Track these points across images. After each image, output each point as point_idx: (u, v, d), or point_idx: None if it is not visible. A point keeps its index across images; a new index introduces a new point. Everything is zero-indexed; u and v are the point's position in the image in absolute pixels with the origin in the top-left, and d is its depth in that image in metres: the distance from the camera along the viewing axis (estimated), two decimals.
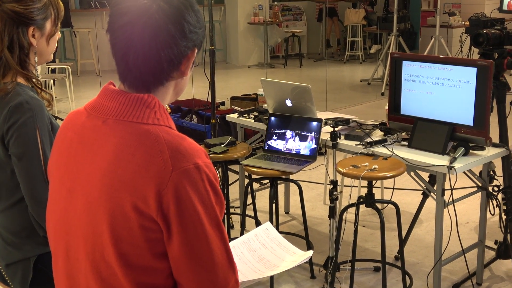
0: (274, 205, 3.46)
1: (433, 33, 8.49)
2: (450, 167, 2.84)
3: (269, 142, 3.47)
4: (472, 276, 3.35)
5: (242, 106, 5.90)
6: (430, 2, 11.25)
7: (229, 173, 4.12)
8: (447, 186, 2.92)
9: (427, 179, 3.26)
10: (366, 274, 3.54)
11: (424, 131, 3.12)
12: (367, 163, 2.96)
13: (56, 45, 1.86)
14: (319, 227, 4.19)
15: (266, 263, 1.58)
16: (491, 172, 3.26)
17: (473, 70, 2.96)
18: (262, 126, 3.71)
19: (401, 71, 3.26)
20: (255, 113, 3.91)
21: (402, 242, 3.25)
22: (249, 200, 3.72)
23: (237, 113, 4.04)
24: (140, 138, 1.15)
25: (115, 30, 1.17)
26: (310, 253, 1.61)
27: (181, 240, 1.13)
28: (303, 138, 3.37)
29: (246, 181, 3.79)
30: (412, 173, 3.10)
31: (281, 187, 4.38)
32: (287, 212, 4.46)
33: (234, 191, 4.55)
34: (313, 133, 3.34)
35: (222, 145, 3.54)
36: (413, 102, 3.24)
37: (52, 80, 7.52)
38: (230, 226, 4.11)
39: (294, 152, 3.38)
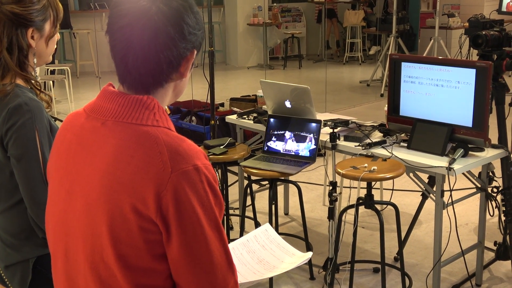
0: (273, 206, 3.46)
1: (432, 35, 8.50)
2: (449, 168, 2.84)
3: (268, 144, 3.47)
4: (472, 277, 3.35)
5: (242, 107, 5.90)
6: (429, 3, 11.26)
7: (229, 174, 4.12)
8: (446, 187, 2.92)
9: (426, 180, 3.26)
10: (366, 275, 3.54)
11: (423, 132, 3.13)
12: (366, 164, 2.96)
13: (55, 46, 1.85)
14: (319, 228, 4.19)
15: (266, 265, 1.58)
16: (490, 173, 3.27)
17: (472, 72, 2.97)
18: (261, 127, 3.71)
19: (400, 73, 3.27)
20: (255, 115, 3.92)
21: (402, 243, 3.25)
22: (249, 202, 3.73)
23: (236, 115, 4.04)
24: (139, 139, 1.15)
25: (114, 32, 1.18)
26: (309, 254, 1.61)
27: (180, 241, 1.13)
28: (302, 140, 3.37)
29: (246, 182, 3.80)
30: (411, 174, 3.10)
31: (280, 189, 4.38)
32: (286, 214, 4.46)
33: (234, 193, 4.55)
34: (312, 134, 3.34)
35: (222, 147, 3.54)
36: (412, 103, 3.25)
37: (51, 81, 7.52)
38: (230, 228, 4.11)
39: (293, 153, 3.38)
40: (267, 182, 3.75)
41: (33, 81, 1.77)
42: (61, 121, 1.27)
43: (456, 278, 3.44)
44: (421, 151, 3.08)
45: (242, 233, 3.65)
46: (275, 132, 3.46)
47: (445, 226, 3.05)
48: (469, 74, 2.98)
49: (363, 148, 3.18)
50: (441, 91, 3.11)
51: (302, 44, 11.80)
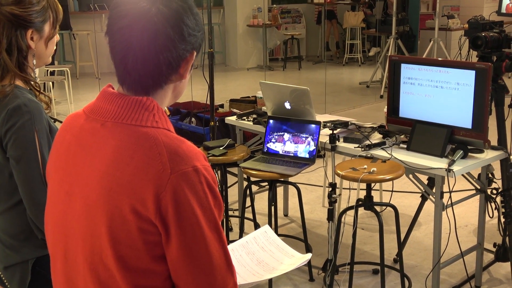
0: (273, 207, 3.46)
1: (432, 36, 8.50)
2: (448, 170, 2.84)
3: (268, 145, 3.47)
4: (471, 279, 3.35)
5: (241, 108, 5.90)
6: (429, 4, 11.27)
7: (228, 175, 4.13)
8: (445, 189, 2.93)
9: (426, 182, 3.26)
10: (365, 277, 3.54)
11: (422, 134, 3.13)
12: (365, 166, 2.96)
13: (55, 47, 1.85)
14: (318, 229, 4.19)
15: (265, 266, 1.58)
16: (490, 175, 3.27)
17: (472, 73, 2.97)
18: (261, 128, 3.71)
19: (400, 74, 3.27)
20: (254, 116, 3.92)
21: (401, 244, 3.25)
22: (248, 203, 3.73)
23: (236, 116, 4.04)
24: (139, 140, 1.15)
25: (114, 33, 1.18)
26: (308, 256, 1.61)
27: (180, 242, 1.13)
28: (301, 141, 3.37)
29: (245, 183, 3.80)
30: (410, 176, 3.11)
31: (280, 190, 4.38)
32: (286, 215, 4.46)
33: (233, 194, 4.55)
34: (312, 135, 3.34)
35: (221, 148, 3.54)
36: (412, 105, 3.25)
37: (51, 83, 7.52)
38: (229, 229, 4.11)
39: (292, 154, 3.38)
40: (266, 183, 3.75)
41: (32, 82, 1.77)
42: (61, 122, 1.27)
43: (456, 280, 3.44)
44: (421, 152, 3.08)
45: (241, 234, 3.65)
46: (275, 134, 3.46)
47: (445, 228, 3.05)
48: (469, 76, 2.98)
49: (363, 149, 3.18)
50: (440, 93, 3.11)
51: (301, 46, 11.81)
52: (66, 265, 1.25)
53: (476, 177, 3.24)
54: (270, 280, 3.29)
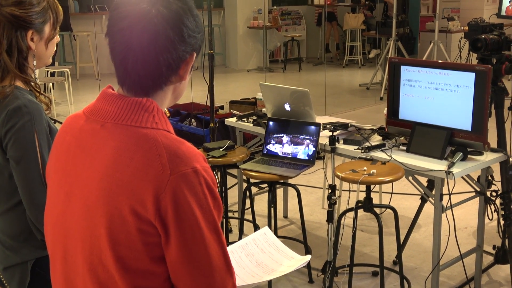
0: (272, 209, 3.46)
1: (432, 38, 8.51)
2: (448, 172, 2.84)
3: (267, 147, 3.47)
4: (470, 281, 3.35)
5: (241, 110, 5.91)
6: (429, 7, 11.28)
7: (228, 177, 4.13)
8: (445, 191, 2.93)
9: (425, 184, 3.26)
10: (364, 279, 3.54)
11: (422, 136, 3.13)
12: (365, 168, 2.96)
13: (55, 48, 1.86)
14: (318, 231, 4.19)
15: (264, 268, 1.58)
16: (489, 177, 3.27)
17: (471, 75, 2.97)
18: (260, 130, 3.71)
19: (400, 76, 3.27)
20: (254, 117, 3.92)
21: (401, 246, 3.25)
22: (248, 204, 3.73)
23: (236, 117, 4.04)
24: (139, 142, 1.15)
25: (114, 34, 1.18)
26: (308, 257, 1.61)
27: (179, 244, 1.13)
28: (301, 143, 3.37)
29: (245, 185, 3.80)
30: (410, 178, 3.11)
31: (279, 191, 4.38)
32: (285, 217, 4.46)
33: (233, 195, 4.55)
34: (311, 137, 3.34)
35: (221, 149, 3.54)
36: (412, 107, 3.25)
37: (51, 84, 7.52)
38: (229, 230, 4.11)
39: (292, 156, 3.38)
40: (266, 185, 3.75)
41: (32, 83, 1.77)
42: (61, 123, 1.28)
43: (455, 282, 3.44)
44: (420, 154, 3.08)
45: (241, 236, 3.65)
46: (275, 135, 3.47)
47: (444, 230, 3.05)
48: (468, 78, 2.98)
49: (362, 151, 3.18)
50: (440, 95, 3.12)
51: (302, 47, 11.81)
52: (66, 266, 1.25)
53: (476, 179, 3.24)
54: (270, 282, 3.29)
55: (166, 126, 1.20)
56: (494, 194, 3.29)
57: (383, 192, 4.44)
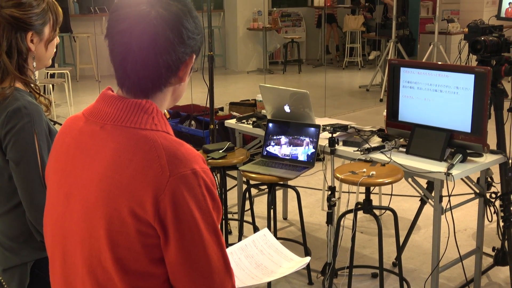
0: (272, 211, 3.47)
1: (431, 40, 8.51)
2: (447, 174, 2.84)
3: (267, 148, 3.47)
4: (470, 283, 3.35)
5: (241, 111, 5.91)
6: (428, 8, 11.28)
7: (227, 178, 4.13)
8: (444, 192, 2.93)
9: (425, 186, 3.26)
10: (364, 281, 3.54)
11: (422, 138, 3.13)
12: (365, 169, 2.96)
13: (55, 50, 1.86)
14: (317, 233, 4.19)
15: (264, 269, 1.58)
16: (489, 179, 3.27)
17: (471, 77, 2.97)
18: (260, 132, 3.71)
19: (399, 78, 3.27)
20: (254, 119, 3.92)
21: (400, 248, 3.25)
22: (247, 206, 3.73)
23: (235, 119, 4.04)
24: (138, 143, 1.15)
25: (113, 36, 1.18)
26: (307, 259, 1.61)
27: (178, 245, 1.13)
28: (301, 144, 3.38)
29: (244, 186, 3.80)
30: (410, 180, 3.11)
31: (279, 193, 4.38)
32: (285, 218, 4.46)
33: (232, 197, 4.55)
34: (311, 139, 3.34)
35: (221, 151, 3.55)
36: (411, 109, 3.25)
37: (51, 85, 7.52)
38: (228, 232, 4.11)
39: (292, 158, 3.38)
40: (266, 186, 3.76)
41: (32, 85, 1.77)
42: (61, 124, 1.27)
43: (455, 284, 3.44)
44: (420, 156, 3.08)
45: (240, 237, 3.65)
46: (274, 137, 3.47)
47: (444, 232, 3.05)
48: (468, 80, 2.99)
49: (362, 153, 3.18)
50: (439, 97, 3.12)
51: (301, 49, 11.82)
52: (65, 268, 1.25)
53: (475, 181, 3.24)
54: (269, 284, 3.29)
55: (166, 127, 1.20)
56: (493, 195, 3.29)
57: (382, 194, 4.44)
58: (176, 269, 1.15)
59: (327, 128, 3.44)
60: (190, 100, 6.22)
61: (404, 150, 3.18)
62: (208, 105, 4.57)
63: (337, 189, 3.43)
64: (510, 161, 3.27)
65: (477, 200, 3.29)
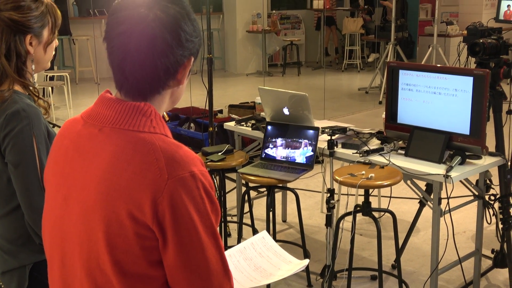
0: (271, 213, 3.47)
1: (430, 42, 8.52)
2: (446, 176, 2.84)
3: (266, 151, 3.47)
4: (469, 285, 3.35)
5: (240, 114, 5.91)
6: (427, 11, 11.30)
7: (227, 181, 4.13)
8: (443, 195, 2.93)
9: (424, 188, 3.27)
10: (363, 283, 3.54)
11: (420, 140, 3.13)
12: (364, 172, 2.96)
13: (54, 53, 1.86)
14: (316, 235, 4.19)
15: (262, 272, 1.58)
16: (488, 181, 3.27)
17: (470, 79, 2.98)
18: (259, 134, 3.72)
19: (398, 80, 3.28)
20: (253, 121, 3.92)
21: (399, 250, 3.25)
22: (246, 208, 3.73)
23: (234, 121, 4.05)
24: (136, 146, 1.15)
25: (112, 39, 1.18)
26: (306, 261, 1.61)
27: (176, 248, 1.13)
28: (300, 147, 3.38)
29: (243, 189, 3.80)
30: (409, 182, 3.11)
31: (278, 196, 4.39)
32: (284, 221, 4.46)
33: (231, 199, 4.55)
34: (310, 141, 3.35)
35: (220, 153, 3.55)
36: (410, 111, 3.25)
37: (50, 88, 7.53)
38: (227, 234, 4.10)
39: (291, 160, 3.38)
40: (265, 189, 3.76)
41: (31, 88, 1.78)
42: (60, 127, 1.27)
43: (454, 286, 3.44)
44: (419, 158, 3.08)
45: (239, 240, 3.65)
46: (273, 139, 3.47)
47: (443, 234, 3.06)
48: (467, 82, 2.99)
49: (361, 155, 3.18)
50: (438, 99, 3.12)
51: (301, 51, 11.83)
52: (63, 270, 1.25)
53: (474, 183, 3.25)
54: (268, 286, 3.29)
55: (164, 130, 1.20)
56: (492, 198, 3.29)
57: (381, 196, 4.44)
58: (175, 272, 1.15)
59: (326, 130, 3.44)
60: (189, 102, 6.22)
61: (403, 152, 3.18)
62: (207, 108, 4.57)
63: (336, 191, 3.43)
64: (509, 163, 3.27)
65: (476, 202, 3.29)
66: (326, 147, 3.27)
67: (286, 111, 3.51)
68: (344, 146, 3.32)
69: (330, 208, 3.22)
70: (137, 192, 1.11)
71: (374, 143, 3.37)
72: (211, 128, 4.58)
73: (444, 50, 8.70)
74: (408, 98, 3.25)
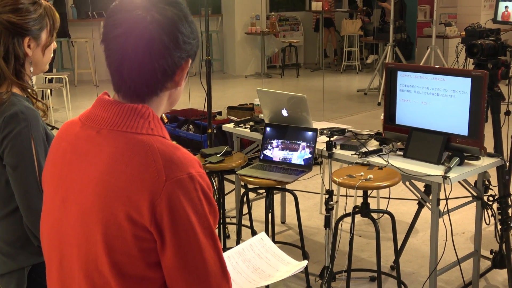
0: (270, 215, 3.47)
1: (429, 44, 8.53)
2: (445, 177, 2.85)
3: (265, 152, 3.47)
4: (468, 286, 3.35)
5: (239, 116, 5.92)
6: (426, 12, 11.31)
7: (225, 182, 4.13)
8: (442, 196, 2.93)
9: (422, 189, 3.27)
10: (362, 284, 3.54)
11: (419, 141, 3.14)
12: (362, 173, 2.97)
13: (52, 55, 1.86)
14: (315, 237, 4.19)
15: (261, 273, 1.58)
16: (486, 182, 3.27)
17: (468, 81, 2.98)
18: (258, 136, 3.72)
19: (396, 82, 3.28)
20: (251, 123, 3.93)
21: (398, 251, 3.25)
22: (245, 210, 3.73)
23: (233, 123, 4.05)
24: (134, 148, 1.15)
25: (109, 41, 1.18)
26: (304, 263, 1.61)
27: (175, 249, 1.13)
28: (298, 148, 3.38)
29: (242, 190, 3.80)
30: (407, 183, 3.11)
31: (277, 197, 4.39)
32: (283, 222, 4.46)
33: (230, 201, 4.55)
34: (308, 143, 3.35)
35: (218, 155, 3.55)
36: (408, 112, 3.26)
37: (49, 90, 7.53)
38: (226, 236, 4.10)
39: (289, 161, 3.39)
40: (263, 190, 3.76)
41: (29, 90, 1.78)
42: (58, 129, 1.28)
43: (453, 287, 3.44)
44: (417, 159, 3.09)
45: (238, 241, 3.65)
46: (272, 141, 3.47)
47: (442, 235, 3.06)
48: (465, 83, 2.99)
49: (359, 156, 3.19)
50: (436, 100, 3.12)
51: (299, 53, 11.84)
52: (62, 272, 1.25)
53: (473, 184, 3.25)
54: (267, 287, 3.29)
55: (162, 132, 1.20)
56: (491, 198, 3.30)
57: (380, 197, 4.44)
58: (173, 273, 1.15)
59: (325, 132, 3.44)
60: (188, 104, 6.23)
61: (402, 153, 3.18)
62: (206, 110, 4.57)
63: (335, 192, 3.43)
64: (507, 164, 3.28)
65: (474, 203, 3.30)
66: (325, 149, 3.28)
67: (284, 112, 3.51)
68: (343, 147, 3.33)
69: (329, 209, 3.22)
70: (135, 194, 1.12)
71: (373, 144, 3.37)
72: (210, 130, 4.58)
73: (443, 51, 8.71)
74: (406, 99, 3.26)
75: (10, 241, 1.76)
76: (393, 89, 3.30)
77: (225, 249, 3.11)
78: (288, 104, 3.49)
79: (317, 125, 3.59)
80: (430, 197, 3.04)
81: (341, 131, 3.48)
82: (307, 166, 3.34)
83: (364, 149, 3.24)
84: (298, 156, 3.37)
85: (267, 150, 3.47)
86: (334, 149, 3.28)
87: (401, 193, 4.61)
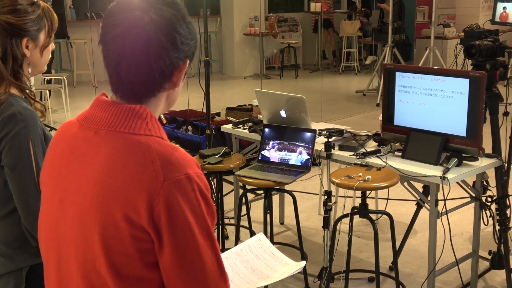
0: (268, 215, 3.47)
1: (428, 45, 8.54)
2: (443, 178, 2.85)
3: (263, 153, 3.47)
4: (466, 287, 3.35)
5: (237, 116, 5.92)
6: (425, 13, 11.32)
7: (224, 183, 4.13)
8: (440, 196, 2.93)
9: (421, 190, 3.27)
10: (360, 285, 3.54)
11: (417, 142, 3.14)
12: (361, 174, 2.97)
13: (50, 56, 1.86)
14: (314, 237, 4.19)
15: (259, 274, 1.58)
16: (485, 183, 3.27)
17: (466, 81, 2.98)
18: (256, 136, 3.72)
19: (395, 82, 3.28)
20: (250, 124, 3.93)
21: (396, 252, 3.25)
22: (244, 211, 3.73)
23: (232, 124, 4.05)
24: (132, 148, 1.15)
25: (107, 42, 1.18)
26: (302, 263, 1.61)
27: (172, 250, 1.13)
28: (297, 149, 3.38)
29: (241, 191, 3.80)
30: (405, 184, 3.11)
31: (275, 198, 4.39)
32: (281, 223, 4.46)
33: (229, 202, 4.55)
34: (307, 144, 3.35)
35: (217, 156, 3.55)
36: (407, 113, 3.26)
37: (48, 91, 7.53)
38: (225, 237, 4.10)
39: (288, 162, 3.39)
40: (262, 191, 3.76)
41: (27, 91, 1.78)
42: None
43: (451, 287, 3.45)
44: (416, 160, 3.09)
45: (237, 242, 3.65)
46: (270, 142, 3.47)
47: (440, 236, 3.06)
48: (463, 84, 3.00)
49: (358, 157, 3.19)
50: (435, 101, 3.13)
51: (298, 54, 11.85)
52: (59, 273, 1.25)
53: (471, 185, 3.25)
54: None
55: (160, 132, 1.21)
56: (489, 199, 3.30)
57: (379, 198, 4.44)
58: (171, 274, 1.15)
59: (323, 132, 3.44)
60: (186, 105, 6.23)
61: (400, 154, 3.18)
62: (204, 110, 4.57)
63: (333, 193, 3.43)
64: (505, 164, 3.28)
65: (473, 204, 3.30)
66: (323, 149, 3.28)
67: (283, 113, 3.51)
68: (341, 148, 3.33)
69: (328, 210, 3.22)
70: (132, 194, 1.12)
71: (371, 145, 3.37)
72: (208, 131, 4.58)
73: (441, 52, 8.73)
74: (404, 100, 3.26)
75: (8, 242, 1.76)
76: (392, 90, 3.30)
77: (224, 250, 3.11)
78: (287, 105, 3.49)
79: (316, 126, 3.59)
80: (429, 198, 3.04)
81: (340, 132, 3.48)
82: (306, 167, 3.34)
83: (362, 150, 3.24)
84: (297, 157, 3.37)
85: (266, 151, 3.47)
86: (332, 150, 3.28)
87: (399, 194, 4.61)
